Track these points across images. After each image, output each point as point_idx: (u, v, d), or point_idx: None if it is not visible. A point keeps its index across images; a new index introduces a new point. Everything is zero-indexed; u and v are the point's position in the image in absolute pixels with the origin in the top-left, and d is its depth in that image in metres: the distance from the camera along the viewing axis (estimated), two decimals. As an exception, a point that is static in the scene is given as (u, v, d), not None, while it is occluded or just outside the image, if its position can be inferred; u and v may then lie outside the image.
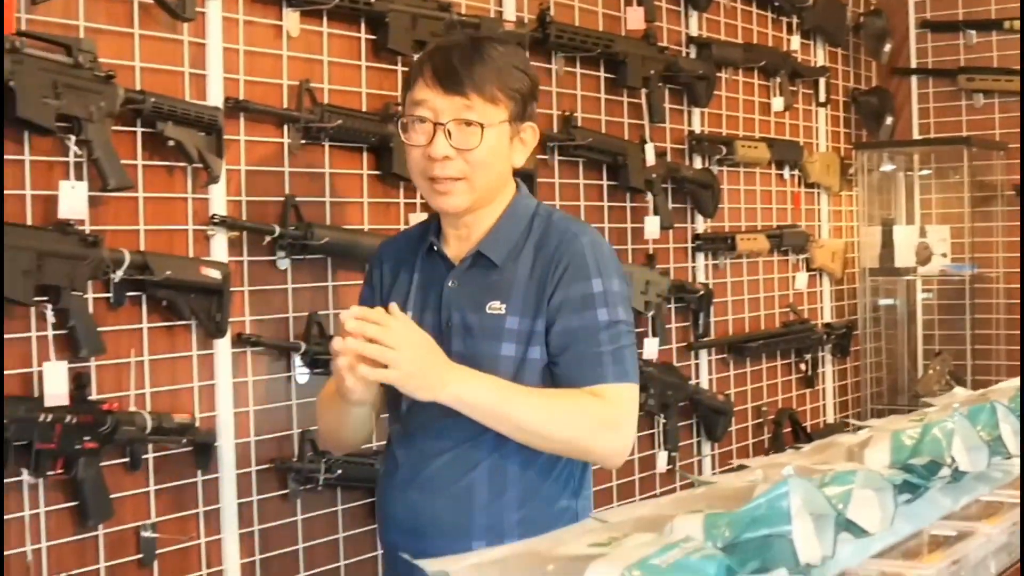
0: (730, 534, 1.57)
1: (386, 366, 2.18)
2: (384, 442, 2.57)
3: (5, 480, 2.64)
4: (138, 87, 2.89)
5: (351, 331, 2.17)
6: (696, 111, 4.91)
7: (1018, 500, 2.12)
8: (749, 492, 1.74)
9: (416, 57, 2.51)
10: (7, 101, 2.59)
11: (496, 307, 2.37)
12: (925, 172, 6.27)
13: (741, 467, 2.06)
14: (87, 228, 2.78)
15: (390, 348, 2.17)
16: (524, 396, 2.31)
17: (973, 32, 6.12)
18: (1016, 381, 3.17)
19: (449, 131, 2.30)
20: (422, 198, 3.46)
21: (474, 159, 2.32)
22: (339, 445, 2.67)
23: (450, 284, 2.40)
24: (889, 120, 6.15)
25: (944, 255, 5.99)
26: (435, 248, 2.43)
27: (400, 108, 2.40)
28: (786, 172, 5.54)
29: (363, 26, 3.49)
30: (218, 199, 3.09)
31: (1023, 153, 5.56)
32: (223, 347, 3.11)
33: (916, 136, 6.26)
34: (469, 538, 2.30)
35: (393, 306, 2.25)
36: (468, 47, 2.35)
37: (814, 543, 1.61)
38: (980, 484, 2.20)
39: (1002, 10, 6.05)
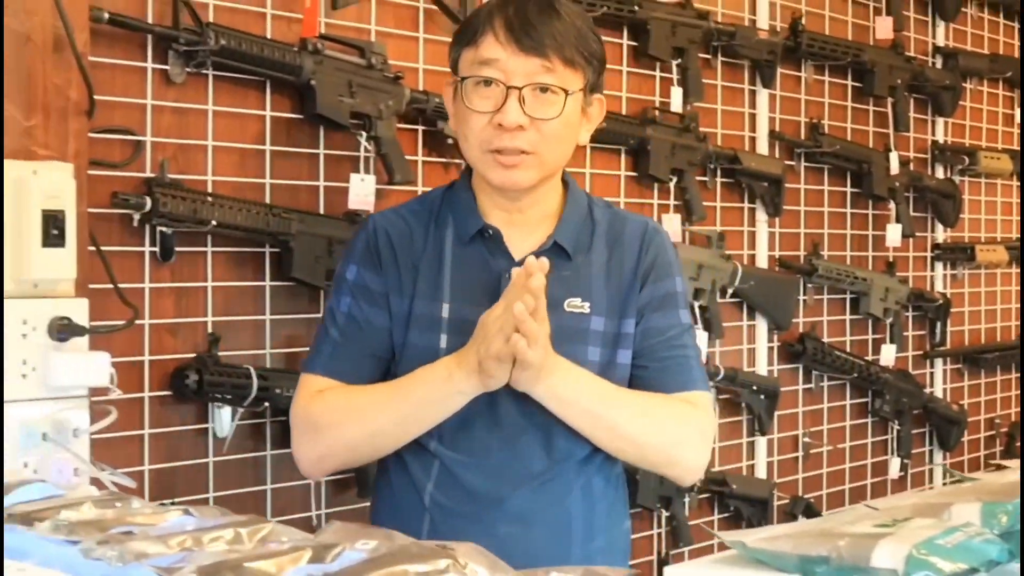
0: (1007, 522, 1.67)
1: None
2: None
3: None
4: (420, 88, 3.09)
5: (521, 312, 1.93)
6: (940, 121, 4.93)
7: None
8: (1014, 488, 1.83)
9: (477, 8, 2.23)
10: (307, 99, 2.82)
11: (577, 305, 2.14)
12: None
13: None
14: (372, 218, 2.99)
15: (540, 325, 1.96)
16: (623, 396, 2.13)
17: None
18: None
19: (523, 98, 2.04)
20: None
21: (548, 131, 2.06)
22: (368, 455, 2.25)
23: (511, 276, 2.06)
24: None
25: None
26: (489, 234, 2.15)
27: (452, 68, 2.16)
28: (1026, 183, 5.50)
29: (625, 32, 3.64)
30: (487, 195, 3.27)
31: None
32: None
33: None
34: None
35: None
36: (544, 3, 2.08)
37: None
38: None
39: None
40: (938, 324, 4.89)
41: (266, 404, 2.74)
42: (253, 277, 2.79)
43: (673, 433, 2.14)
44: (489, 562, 1.33)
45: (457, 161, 3.19)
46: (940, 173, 4.93)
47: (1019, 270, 5.31)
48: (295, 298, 2.86)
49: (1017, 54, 5.39)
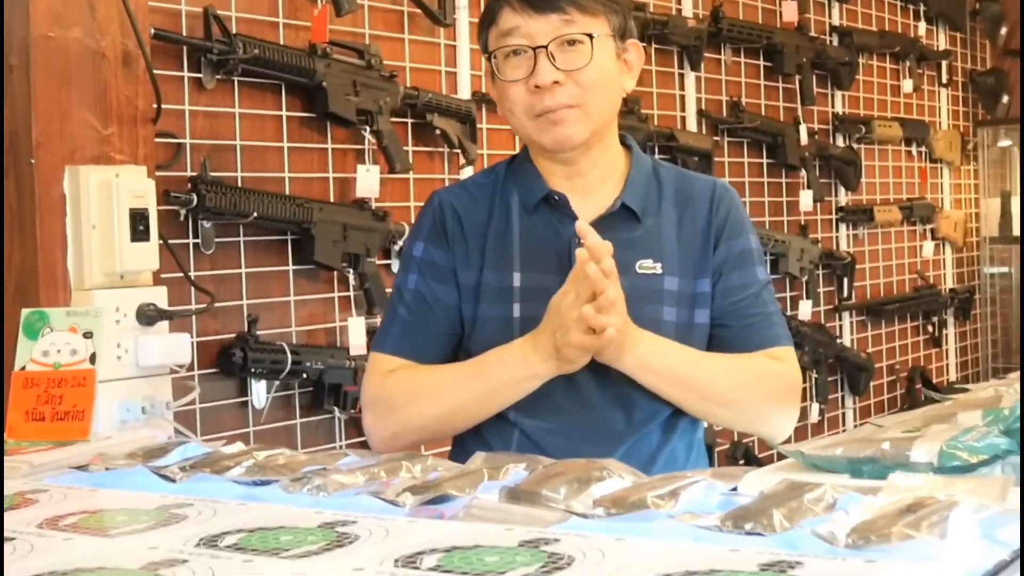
0: (1003, 425, 2.04)
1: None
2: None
3: (317, 417, 3.16)
4: (409, 84, 3.39)
5: (595, 273, 1.89)
6: (839, 94, 5.37)
7: None
8: (996, 400, 2.21)
9: None
10: (318, 99, 3.11)
11: (649, 266, 2.10)
12: (1034, 149, 6.66)
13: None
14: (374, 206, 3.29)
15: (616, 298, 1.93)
16: (709, 360, 2.11)
17: (1085, 14, 6.51)
18: None
19: (552, 54, 2.01)
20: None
21: (586, 79, 2.02)
22: (441, 433, 2.22)
23: (581, 242, 1.96)
24: (1005, 99, 6.57)
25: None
26: (555, 200, 2.11)
27: (483, 49, 2.13)
28: (914, 149, 5.97)
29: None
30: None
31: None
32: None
33: (1026, 116, 6.66)
34: None
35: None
36: None
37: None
38: None
39: (1113, -7, 6.43)
40: (845, 280, 5.32)
41: (304, 376, 3.01)
42: (278, 262, 3.07)
43: (762, 392, 2.12)
44: (630, 470, 1.64)
45: (440, 149, 3.50)
46: (840, 142, 5.36)
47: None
48: (315, 280, 3.15)
49: (900, 29, 5.87)
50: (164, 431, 2.44)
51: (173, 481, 1.73)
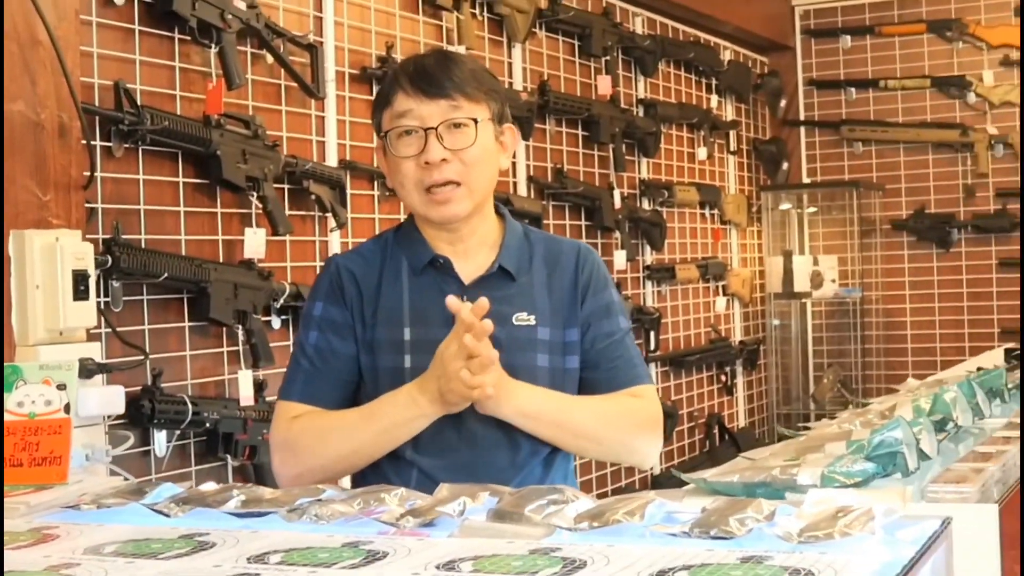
0: (865, 453, 2.42)
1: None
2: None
3: (210, 464, 3.36)
4: (287, 153, 3.64)
5: (472, 342, 2.12)
6: (644, 160, 5.81)
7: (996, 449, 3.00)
8: (847, 435, 2.60)
9: (385, 76, 2.50)
10: (212, 166, 3.33)
11: (524, 318, 2.31)
12: (812, 210, 7.25)
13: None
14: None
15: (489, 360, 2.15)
16: (578, 402, 2.32)
17: (853, 89, 7.16)
18: (960, 368, 4.13)
19: (440, 135, 2.21)
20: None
21: (469, 158, 2.23)
22: (343, 471, 2.40)
23: (464, 299, 2.21)
24: (785, 165, 7.15)
25: (833, 280, 6.98)
26: (440, 263, 2.31)
27: (376, 131, 2.34)
28: (707, 211, 6.47)
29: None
30: (335, 241, 3.85)
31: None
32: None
33: (805, 179, 7.25)
34: None
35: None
36: (438, 55, 2.33)
37: (914, 456, 2.48)
38: (969, 437, 3.09)
39: (878, 71, 7.11)
40: (651, 333, 5.74)
41: (202, 425, 3.22)
42: (175, 319, 3.28)
43: (627, 426, 2.34)
44: (581, 494, 1.93)
45: (312, 213, 3.76)
46: (647, 205, 5.80)
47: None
48: (206, 335, 3.37)
49: (695, 101, 6.37)
50: (100, 476, 2.64)
51: (167, 516, 1.92)
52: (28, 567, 1.59)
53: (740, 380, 6.80)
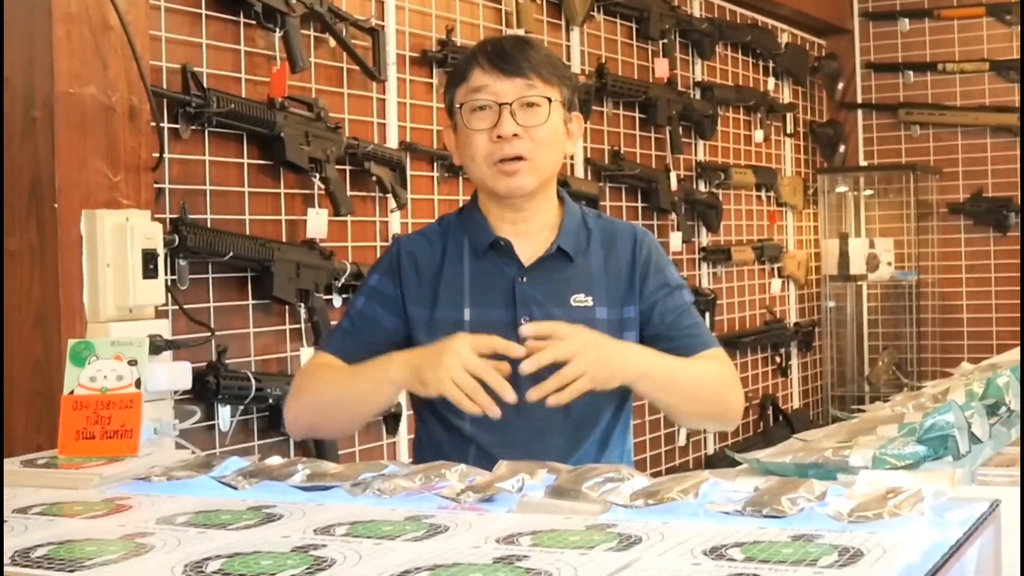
0: (917, 436, 2.46)
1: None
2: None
3: (272, 439, 3.44)
4: (348, 135, 3.71)
5: (528, 367, 2.13)
6: (701, 143, 5.84)
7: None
8: (899, 417, 2.63)
9: (447, 59, 2.63)
10: (276, 148, 3.40)
11: (582, 299, 2.38)
12: (868, 192, 7.24)
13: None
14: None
15: (573, 357, 2.16)
16: (683, 363, 2.35)
17: (911, 72, 7.14)
18: (1015, 353, 4.15)
19: (514, 111, 2.30)
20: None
21: (540, 137, 2.31)
22: (343, 421, 2.46)
23: (522, 280, 2.36)
24: (842, 148, 7.15)
25: (889, 264, 6.98)
26: (501, 245, 2.39)
27: (448, 110, 2.42)
28: (763, 194, 6.49)
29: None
30: (395, 221, 3.91)
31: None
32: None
33: (862, 162, 7.25)
34: None
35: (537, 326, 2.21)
36: (516, 39, 2.43)
37: (965, 440, 2.51)
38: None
39: (936, 54, 7.08)
40: (707, 315, 5.78)
41: (264, 401, 3.30)
42: (239, 297, 3.36)
43: (723, 385, 2.42)
44: (637, 472, 1.98)
45: (373, 194, 3.82)
46: (703, 187, 5.83)
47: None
48: (269, 313, 3.44)
49: (752, 84, 6.39)
50: (167, 450, 2.71)
51: (235, 488, 1.99)
52: (104, 535, 1.65)
53: (795, 362, 6.82)
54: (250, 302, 3.39)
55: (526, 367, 2.13)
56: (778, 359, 6.61)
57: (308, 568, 1.45)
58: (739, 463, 2.39)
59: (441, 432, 2.42)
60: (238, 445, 3.33)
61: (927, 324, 7.10)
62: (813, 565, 1.42)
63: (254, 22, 3.37)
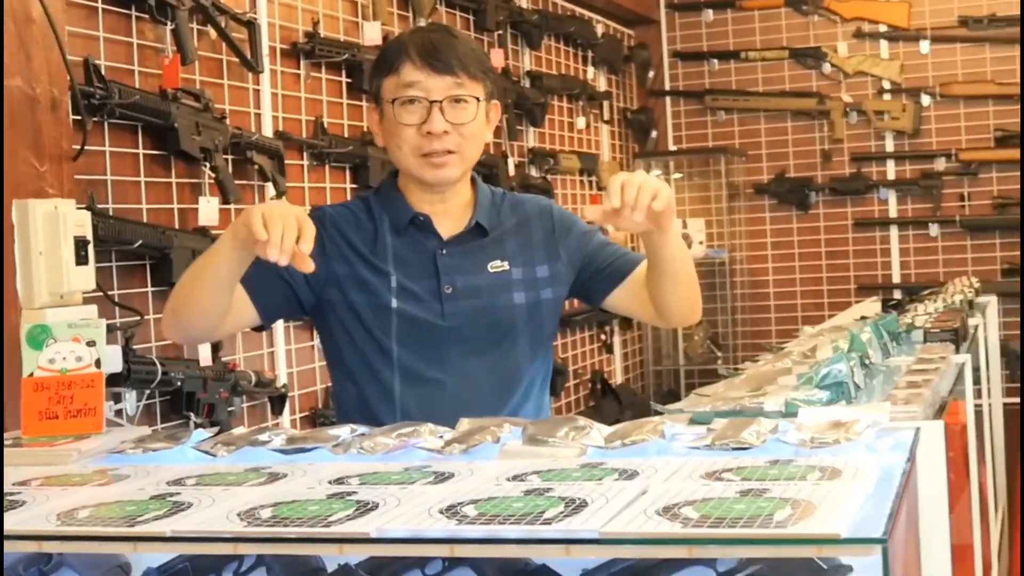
0: (814, 384, 2.73)
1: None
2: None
3: (173, 423, 3.52)
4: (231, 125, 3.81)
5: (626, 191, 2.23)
6: (532, 130, 6.08)
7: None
8: (785, 371, 2.90)
9: (389, 42, 2.66)
10: (171, 138, 3.49)
11: (498, 265, 2.57)
12: (678, 175, 7.60)
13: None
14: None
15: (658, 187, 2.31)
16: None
17: (716, 61, 7.53)
18: (846, 316, 4.50)
19: (443, 108, 2.44)
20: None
21: (467, 132, 2.47)
22: (199, 316, 2.46)
23: (443, 252, 2.54)
24: (653, 134, 7.49)
25: (701, 243, 7.35)
26: (420, 220, 2.54)
27: (374, 96, 2.55)
28: (585, 178, 6.77)
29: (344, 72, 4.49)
30: (273, 208, 4.02)
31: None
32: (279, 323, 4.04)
33: (672, 146, 7.60)
34: None
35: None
36: (443, 32, 2.54)
37: (852, 387, 2.80)
38: (880, 373, 3.44)
39: (739, 43, 7.48)
40: (542, 295, 6.01)
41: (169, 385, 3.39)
42: (139, 284, 3.43)
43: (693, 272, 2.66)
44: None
45: (254, 183, 3.93)
46: (535, 172, 6.07)
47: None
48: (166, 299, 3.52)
49: (572, 73, 6.66)
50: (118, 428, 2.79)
51: (214, 456, 2.08)
52: (130, 497, 1.73)
53: (617, 339, 7.13)
54: (149, 289, 3.47)
55: (643, 205, 2.23)
56: (603, 336, 6.90)
57: (356, 510, 1.57)
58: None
59: (368, 388, 2.56)
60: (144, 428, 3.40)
61: (738, 299, 7.50)
62: (805, 480, 1.64)
63: (146, 15, 3.45)
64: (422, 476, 1.79)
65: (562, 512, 1.49)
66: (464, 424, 2.18)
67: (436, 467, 1.88)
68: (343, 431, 2.14)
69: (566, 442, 2.04)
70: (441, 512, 1.53)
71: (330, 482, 1.77)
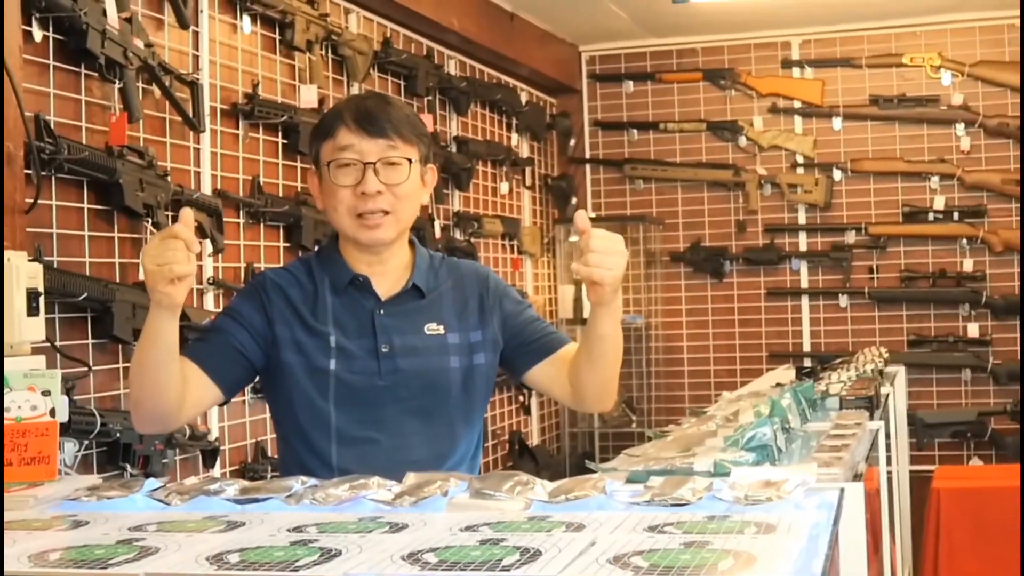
0: (740, 446, 2.86)
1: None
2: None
3: (110, 473, 3.57)
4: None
5: (594, 248, 2.53)
6: (457, 194, 6.21)
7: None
8: (711, 434, 3.04)
9: (327, 111, 2.74)
10: (114, 194, 3.56)
11: (434, 328, 2.63)
12: (597, 241, 7.72)
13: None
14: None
15: (617, 254, 2.61)
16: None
17: (635, 131, 7.73)
18: (762, 383, 4.65)
19: (377, 170, 2.52)
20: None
21: (401, 193, 2.55)
22: (155, 398, 2.46)
23: (381, 312, 2.60)
24: (573, 200, 7.66)
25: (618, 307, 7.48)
26: (360, 281, 2.61)
27: (313, 160, 2.64)
28: (507, 242, 6.91)
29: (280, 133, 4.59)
30: (208, 266, 4.10)
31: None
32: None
33: (591, 213, 7.72)
34: None
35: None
36: (378, 99, 2.64)
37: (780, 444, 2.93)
38: (798, 438, 3.58)
39: (658, 114, 7.69)
40: (464, 356, 6.11)
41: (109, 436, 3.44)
42: (80, 336, 3.49)
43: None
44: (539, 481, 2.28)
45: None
46: (459, 236, 6.19)
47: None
48: (104, 352, 3.59)
49: (497, 139, 6.81)
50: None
51: (168, 505, 2.16)
52: (97, 542, 1.78)
53: (534, 400, 7.24)
54: (90, 341, 3.52)
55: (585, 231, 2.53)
56: (521, 398, 7.02)
57: (321, 556, 1.64)
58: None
59: (305, 450, 2.63)
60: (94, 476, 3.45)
61: (652, 364, 7.66)
62: (743, 533, 1.75)
63: (95, 73, 3.53)
64: (377, 526, 1.86)
65: (519, 560, 1.57)
66: (411, 478, 2.25)
67: (388, 518, 1.95)
68: (294, 482, 2.22)
69: (512, 496, 2.13)
70: (403, 559, 1.61)
71: (289, 530, 1.84)
